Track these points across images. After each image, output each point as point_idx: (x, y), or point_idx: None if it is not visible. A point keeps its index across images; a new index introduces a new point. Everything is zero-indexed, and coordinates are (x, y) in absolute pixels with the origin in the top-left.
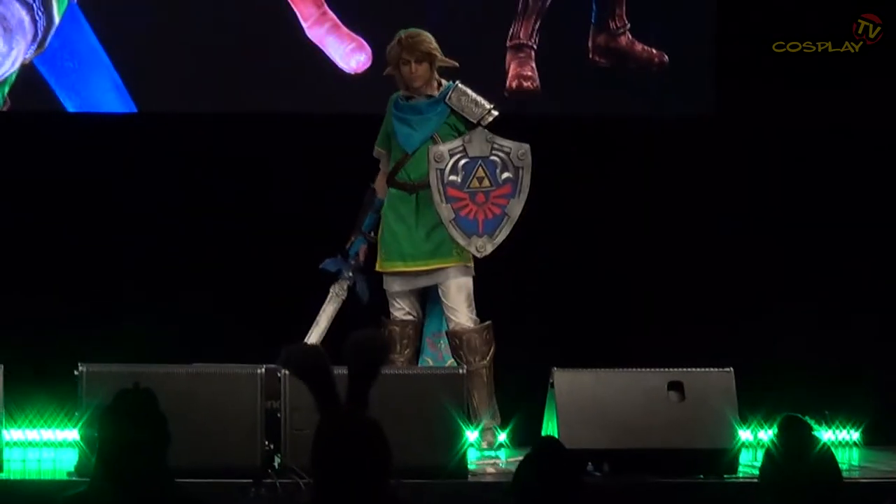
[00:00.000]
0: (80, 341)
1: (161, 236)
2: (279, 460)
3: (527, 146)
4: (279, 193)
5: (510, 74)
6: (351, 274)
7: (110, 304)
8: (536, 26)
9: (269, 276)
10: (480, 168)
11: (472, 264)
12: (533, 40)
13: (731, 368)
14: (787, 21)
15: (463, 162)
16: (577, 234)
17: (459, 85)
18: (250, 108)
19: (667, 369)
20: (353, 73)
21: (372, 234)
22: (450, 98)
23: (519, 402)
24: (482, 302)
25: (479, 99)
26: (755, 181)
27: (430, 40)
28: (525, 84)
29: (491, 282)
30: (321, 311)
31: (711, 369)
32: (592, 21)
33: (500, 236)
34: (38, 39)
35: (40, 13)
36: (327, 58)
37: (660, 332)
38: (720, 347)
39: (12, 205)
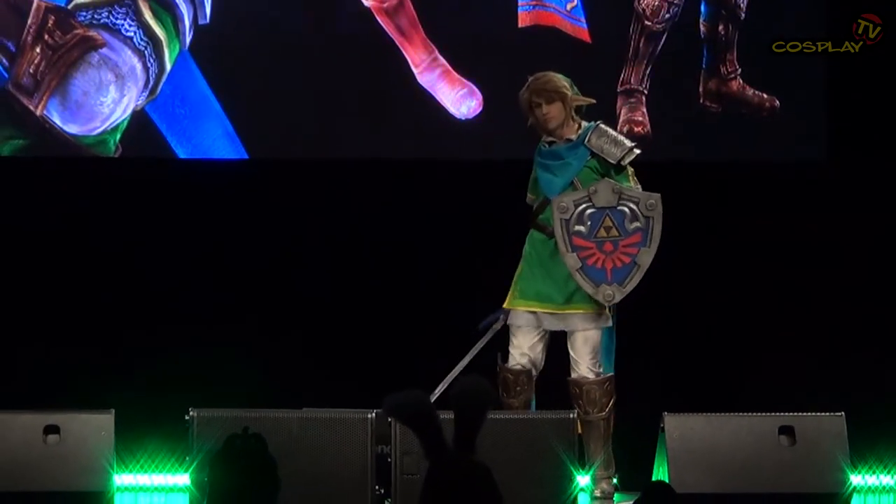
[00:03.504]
0: (191, 386)
1: (273, 281)
2: None
3: (657, 195)
4: (390, 238)
5: (621, 119)
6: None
7: (221, 349)
8: (647, 71)
9: (383, 319)
10: (608, 218)
11: (606, 312)
12: (644, 85)
13: (843, 413)
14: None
15: (589, 212)
16: (688, 279)
17: (600, 125)
18: (361, 154)
19: (778, 413)
20: (463, 118)
21: None
22: (589, 140)
23: (630, 447)
24: None
25: (620, 137)
26: (868, 225)
27: (558, 79)
28: (636, 129)
29: None
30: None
31: (823, 414)
32: (703, 66)
33: (630, 285)
34: (150, 86)
35: (152, 60)
36: (438, 104)
37: (771, 376)
38: (832, 391)
39: (124, 249)
